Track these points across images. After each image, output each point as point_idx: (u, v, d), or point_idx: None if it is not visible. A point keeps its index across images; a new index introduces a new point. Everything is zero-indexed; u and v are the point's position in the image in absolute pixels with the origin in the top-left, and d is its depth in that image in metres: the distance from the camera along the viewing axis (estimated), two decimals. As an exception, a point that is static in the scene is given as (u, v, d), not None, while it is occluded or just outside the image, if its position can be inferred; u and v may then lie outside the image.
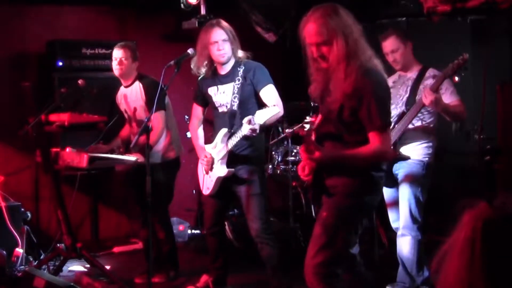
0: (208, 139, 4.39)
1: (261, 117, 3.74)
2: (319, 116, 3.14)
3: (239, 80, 4.12)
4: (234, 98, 4.12)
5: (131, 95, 4.75)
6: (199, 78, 4.31)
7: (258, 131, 3.89)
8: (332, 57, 2.89)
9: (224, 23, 4.12)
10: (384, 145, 2.91)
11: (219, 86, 4.21)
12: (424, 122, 4.12)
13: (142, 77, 4.75)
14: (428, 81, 4.08)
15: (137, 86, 4.71)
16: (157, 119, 4.50)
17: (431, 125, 4.14)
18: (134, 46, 4.88)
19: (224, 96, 4.19)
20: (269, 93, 4.10)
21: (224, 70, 4.19)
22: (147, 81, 4.69)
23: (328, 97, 2.99)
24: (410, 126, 4.08)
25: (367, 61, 2.93)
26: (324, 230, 3.01)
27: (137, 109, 4.70)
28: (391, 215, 4.29)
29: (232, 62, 4.17)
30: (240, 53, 4.17)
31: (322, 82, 3.03)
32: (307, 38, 2.96)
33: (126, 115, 4.86)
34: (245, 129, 3.86)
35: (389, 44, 4.14)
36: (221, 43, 4.07)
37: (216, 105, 4.25)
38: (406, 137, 4.10)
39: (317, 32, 2.91)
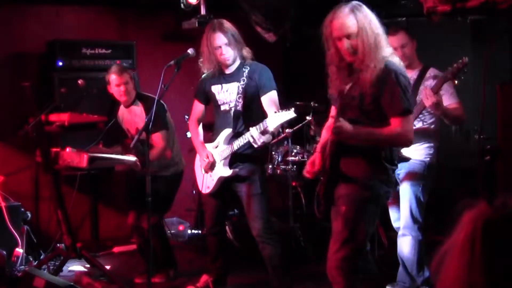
0: (209, 139, 4.38)
1: (274, 121, 3.68)
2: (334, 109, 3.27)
3: (244, 80, 4.11)
4: (239, 98, 4.11)
5: (132, 115, 4.75)
6: (203, 76, 4.30)
7: (270, 138, 3.85)
8: (360, 49, 3.01)
9: (225, 26, 4.08)
10: (405, 129, 3.02)
11: (223, 84, 4.20)
12: (425, 123, 4.12)
13: (142, 97, 4.76)
14: (429, 82, 4.08)
15: (138, 106, 4.72)
16: (159, 138, 4.52)
17: (432, 126, 4.15)
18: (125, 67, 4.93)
19: (227, 94, 4.18)
20: (271, 99, 4.08)
21: (229, 69, 4.18)
22: (148, 102, 4.64)
23: (350, 86, 3.08)
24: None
25: (390, 55, 3.07)
26: (346, 225, 3.08)
27: (139, 129, 4.70)
28: (392, 214, 4.29)
29: (237, 62, 4.16)
30: (245, 52, 4.16)
31: (342, 78, 3.14)
32: (336, 32, 3.06)
33: (129, 134, 4.85)
34: (254, 133, 3.80)
35: (400, 39, 4.14)
36: (224, 47, 4.06)
37: (219, 103, 4.24)
38: None
39: (346, 25, 3.02)
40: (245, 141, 3.98)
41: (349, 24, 3.02)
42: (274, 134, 3.98)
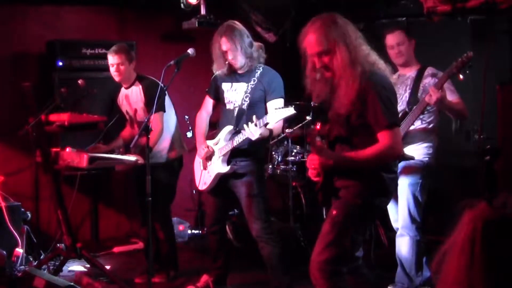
0: (211, 137, 4.38)
1: (274, 117, 3.70)
2: (320, 124, 3.20)
3: (254, 81, 4.12)
4: (246, 97, 4.12)
5: (132, 97, 4.74)
6: (217, 72, 4.31)
7: (264, 134, 3.84)
8: (336, 65, 2.96)
9: (233, 31, 4.08)
10: (393, 142, 2.95)
11: (233, 83, 4.21)
12: (423, 122, 4.13)
13: (142, 78, 4.75)
14: (427, 80, 4.10)
15: (137, 87, 4.71)
16: (156, 120, 4.50)
17: (431, 125, 4.15)
18: (127, 47, 4.84)
19: (235, 94, 4.19)
20: (276, 106, 4.06)
21: (242, 69, 4.18)
22: (147, 82, 4.68)
23: (335, 102, 3.02)
24: (411, 126, 4.08)
25: (371, 66, 2.99)
26: (333, 228, 3.07)
27: (137, 110, 4.71)
28: (392, 215, 4.28)
29: (249, 64, 4.14)
30: (255, 52, 4.13)
31: (324, 91, 3.08)
32: (308, 49, 3.03)
33: (127, 116, 4.86)
34: (251, 126, 3.82)
35: (396, 37, 4.18)
36: (229, 53, 4.08)
37: (225, 101, 4.25)
38: (407, 137, 4.10)
39: (317, 42, 2.98)
40: (244, 137, 3.99)
41: (320, 42, 2.96)
42: (272, 132, 3.96)
